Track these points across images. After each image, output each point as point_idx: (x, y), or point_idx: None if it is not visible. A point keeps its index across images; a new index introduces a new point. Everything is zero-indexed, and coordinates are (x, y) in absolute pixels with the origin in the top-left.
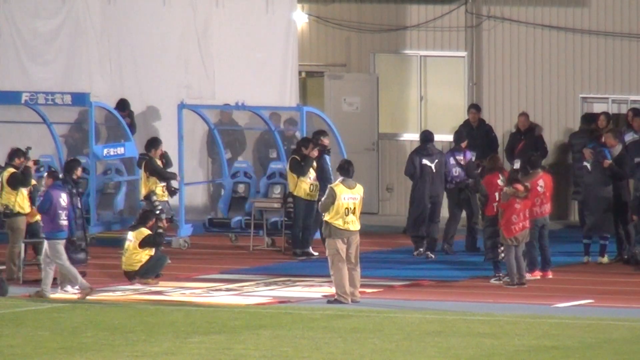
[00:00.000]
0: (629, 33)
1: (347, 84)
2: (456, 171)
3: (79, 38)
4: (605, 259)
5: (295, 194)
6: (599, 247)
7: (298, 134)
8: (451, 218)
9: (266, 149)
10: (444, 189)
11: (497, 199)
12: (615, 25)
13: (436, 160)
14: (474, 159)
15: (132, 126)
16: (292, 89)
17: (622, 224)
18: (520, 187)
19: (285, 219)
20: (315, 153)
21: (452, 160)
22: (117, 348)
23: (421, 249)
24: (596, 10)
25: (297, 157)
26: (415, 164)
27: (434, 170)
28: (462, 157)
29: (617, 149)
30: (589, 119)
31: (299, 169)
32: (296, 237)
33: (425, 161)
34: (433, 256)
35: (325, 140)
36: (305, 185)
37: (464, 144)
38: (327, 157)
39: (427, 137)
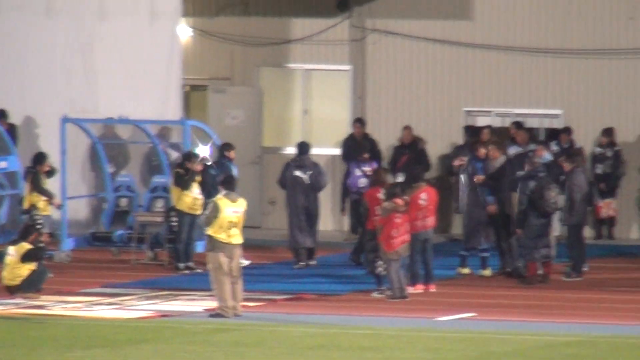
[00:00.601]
0: (513, 46)
1: (231, 98)
2: (362, 182)
3: None
4: (487, 272)
5: (178, 207)
6: (479, 260)
7: (168, 150)
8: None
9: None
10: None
11: (378, 212)
12: (499, 39)
13: (309, 172)
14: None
15: (13, 139)
16: (175, 102)
17: (505, 237)
18: (399, 201)
19: (168, 232)
20: (198, 167)
21: (357, 172)
22: None
23: (302, 263)
24: (480, 24)
25: (180, 170)
26: (287, 175)
27: (307, 182)
28: (369, 168)
29: (500, 161)
30: (474, 131)
31: (183, 183)
32: (179, 251)
33: (297, 173)
34: (314, 262)
35: (232, 154)
36: (188, 199)
37: (366, 155)
38: (234, 168)
39: (302, 148)
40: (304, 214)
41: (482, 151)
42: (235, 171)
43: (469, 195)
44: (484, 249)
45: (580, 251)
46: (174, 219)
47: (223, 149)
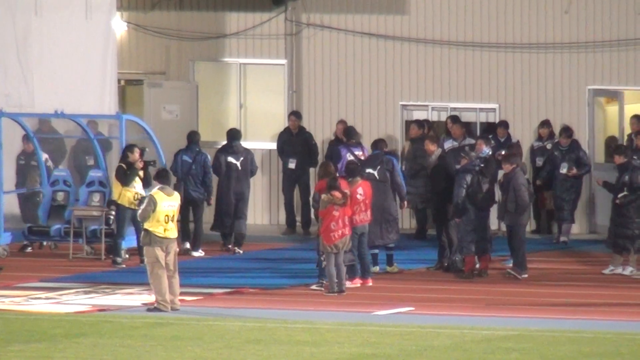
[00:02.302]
0: (448, 40)
1: (166, 92)
2: None
3: None
4: (393, 269)
5: (119, 202)
6: (385, 256)
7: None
8: None
9: (83, 157)
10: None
11: None
12: (434, 33)
13: (241, 158)
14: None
15: None
16: (111, 97)
17: (445, 231)
18: (337, 194)
19: (105, 226)
20: (140, 163)
21: (349, 156)
22: None
23: (229, 245)
24: (415, 18)
25: (123, 165)
26: (220, 161)
27: (239, 168)
28: (360, 153)
29: (436, 153)
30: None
31: (124, 179)
32: (117, 245)
33: (230, 159)
34: (241, 251)
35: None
36: (129, 194)
37: (355, 140)
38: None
39: (233, 135)
40: (236, 199)
41: (405, 147)
42: (208, 158)
43: (377, 191)
44: (389, 247)
45: (524, 249)
46: (112, 212)
47: (194, 137)
